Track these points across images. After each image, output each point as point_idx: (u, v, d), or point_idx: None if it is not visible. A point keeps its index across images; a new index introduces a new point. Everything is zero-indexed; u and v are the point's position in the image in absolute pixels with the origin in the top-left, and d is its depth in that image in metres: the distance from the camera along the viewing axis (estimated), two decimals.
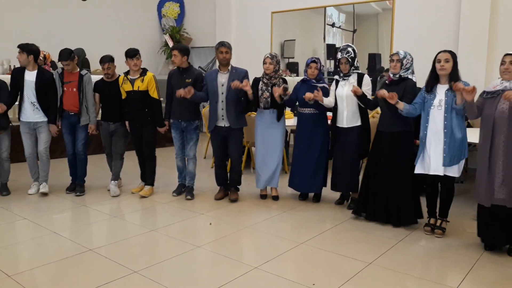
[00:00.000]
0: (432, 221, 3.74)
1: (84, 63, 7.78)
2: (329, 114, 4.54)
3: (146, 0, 9.22)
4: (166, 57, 9.04)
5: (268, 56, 4.44)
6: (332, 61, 7.75)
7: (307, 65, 4.42)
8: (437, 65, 3.47)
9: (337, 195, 4.61)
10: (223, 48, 4.38)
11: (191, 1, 9.21)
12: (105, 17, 8.58)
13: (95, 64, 7.68)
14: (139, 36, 8.90)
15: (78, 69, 4.85)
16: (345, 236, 3.68)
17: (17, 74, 4.71)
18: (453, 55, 3.45)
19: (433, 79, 3.53)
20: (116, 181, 4.95)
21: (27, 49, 4.61)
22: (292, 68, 8.07)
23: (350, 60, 4.14)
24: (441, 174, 3.49)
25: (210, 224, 3.96)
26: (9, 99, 4.66)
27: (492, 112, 3.16)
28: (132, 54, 4.59)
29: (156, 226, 3.89)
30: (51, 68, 6.94)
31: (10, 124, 4.79)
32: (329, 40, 7.79)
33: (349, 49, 4.17)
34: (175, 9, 9.28)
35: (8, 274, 2.89)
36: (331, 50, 7.75)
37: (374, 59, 7.07)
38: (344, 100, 4.20)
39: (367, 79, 4.17)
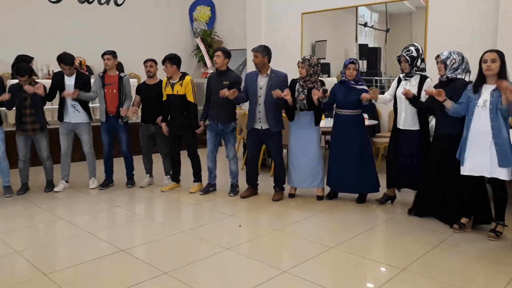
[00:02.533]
0: (463, 220, 3.68)
1: (118, 67, 7.96)
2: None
3: (178, 5, 9.36)
4: (198, 60, 9.15)
5: (299, 61, 4.46)
6: (365, 61, 7.61)
7: (345, 66, 4.38)
8: (484, 65, 3.38)
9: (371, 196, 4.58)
10: (253, 52, 4.49)
11: (222, 4, 9.29)
12: (138, 22, 8.78)
13: (129, 68, 7.87)
14: (171, 40, 9.05)
15: (117, 72, 5.09)
16: (378, 241, 3.59)
17: (58, 78, 4.95)
18: (501, 55, 3.35)
19: (480, 80, 3.44)
20: (169, 175, 5.25)
21: (70, 62, 4.85)
22: (324, 69, 7.98)
23: (409, 58, 4.04)
24: (489, 175, 3.40)
25: (240, 226, 3.96)
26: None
27: None
28: (162, 60, 4.81)
29: (186, 227, 3.92)
30: (86, 73, 7.15)
31: (48, 126, 5.02)
32: (361, 40, 7.65)
33: (411, 48, 4.08)
34: (206, 12, 9.38)
35: (44, 272, 2.98)
36: (364, 50, 7.61)
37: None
38: (402, 102, 4.11)
39: (429, 83, 4.05)
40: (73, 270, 3.06)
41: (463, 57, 3.75)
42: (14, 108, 4.82)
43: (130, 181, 5.29)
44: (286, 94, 4.26)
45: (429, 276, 2.90)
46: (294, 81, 4.53)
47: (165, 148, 5.10)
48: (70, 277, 2.97)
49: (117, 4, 8.59)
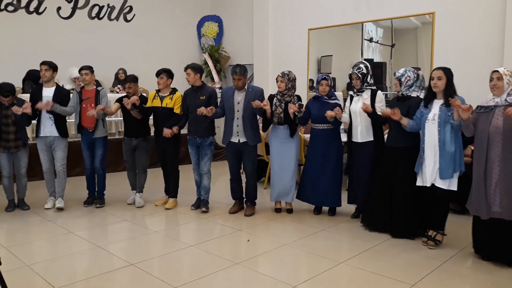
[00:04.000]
0: (430, 232, 3.75)
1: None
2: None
3: (186, 20, 9.49)
4: (206, 75, 9.24)
5: (279, 75, 4.60)
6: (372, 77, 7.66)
7: (318, 82, 4.58)
8: (431, 82, 3.59)
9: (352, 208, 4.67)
10: (236, 75, 4.55)
11: (230, 20, 9.41)
12: (147, 37, 8.91)
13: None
14: (179, 55, 9.15)
15: (95, 86, 5.09)
16: (385, 256, 3.58)
17: (36, 92, 4.94)
18: (447, 72, 3.56)
19: (430, 95, 3.64)
20: (141, 193, 5.18)
21: (53, 66, 4.88)
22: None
23: (360, 76, 4.26)
24: (437, 185, 3.57)
25: (248, 241, 3.97)
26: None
27: (486, 127, 3.25)
28: (157, 73, 4.91)
29: (194, 242, 3.93)
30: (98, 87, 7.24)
31: (28, 142, 4.99)
32: (367, 55, 7.72)
33: (361, 65, 4.32)
34: (214, 28, 9.51)
35: (55, 286, 3.00)
36: (369, 65, 7.67)
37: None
38: (358, 116, 4.30)
39: (380, 96, 4.28)
40: (83, 284, 3.08)
41: (418, 75, 3.95)
42: None
43: (100, 200, 5.14)
44: (266, 104, 4.39)
45: None
46: (271, 96, 4.68)
47: (143, 162, 5.10)
48: None
49: (126, 20, 8.73)
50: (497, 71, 3.27)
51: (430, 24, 6.45)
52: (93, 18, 8.33)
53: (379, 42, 7.55)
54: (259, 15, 8.49)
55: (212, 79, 9.20)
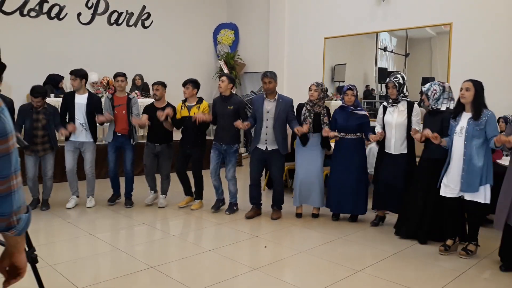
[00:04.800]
0: (448, 242, 3.79)
1: (144, 88, 8.21)
2: None
3: (203, 28, 9.62)
4: None
5: (314, 84, 4.69)
6: (384, 85, 7.69)
7: (344, 92, 4.63)
8: (459, 93, 3.59)
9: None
10: (266, 79, 4.65)
11: (246, 28, 9.52)
12: (164, 44, 9.04)
13: None
14: (195, 62, 9.28)
15: (127, 93, 5.31)
16: (403, 264, 3.60)
17: (68, 97, 5.11)
18: (476, 84, 3.54)
19: (459, 107, 3.65)
20: (165, 195, 5.32)
21: (80, 75, 5.04)
22: (343, 91, 8.08)
23: (397, 85, 4.26)
24: (459, 197, 3.61)
25: (266, 247, 4.02)
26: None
27: None
28: (183, 83, 5.07)
29: (212, 246, 3.99)
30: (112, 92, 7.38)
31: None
32: (381, 64, 7.75)
33: (398, 75, 4.35)
34: (230, 36, 9.62)
35: (78, 286, 3.07)
36: (383, 74, 7.70)
37: (428, 83, 6.96)
38: (393, 128, 4.29)
39: (417, 109, 4.30)
40: (106, 285, 3.14)
41: (444, 87, 3.96)
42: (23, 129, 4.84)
43: (129, 201, 5.31)
44: (306, 129, 4.54)
45: None
46: (300, 106, 4.77)
47: (167, 169, 5.25)
48: None
49: (144, 27, 8.88)
50: None
51: (446, 34, 6.48)
52: (112, 24, 8.50)
53: (393, 51, 7.58)
54: (275, 23, 8.58)
55: None
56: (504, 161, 4.14)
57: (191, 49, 9.41)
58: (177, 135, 5.41)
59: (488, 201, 3.54)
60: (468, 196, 3.58)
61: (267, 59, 8.71)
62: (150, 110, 5.21)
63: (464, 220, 3.87)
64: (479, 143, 3.50)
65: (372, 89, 7.79)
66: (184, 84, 5.06)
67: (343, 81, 8.00)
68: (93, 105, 5.09)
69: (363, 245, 4.09)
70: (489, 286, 3.27)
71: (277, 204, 4.93)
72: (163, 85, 5.22)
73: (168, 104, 5.20)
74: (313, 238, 4.31)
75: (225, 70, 8.99)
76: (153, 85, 5.28)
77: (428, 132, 3.74)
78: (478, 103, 3.53)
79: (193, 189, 5.35)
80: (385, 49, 7.62)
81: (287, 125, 4.77)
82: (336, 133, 4.53)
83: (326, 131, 4.52)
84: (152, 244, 4.15)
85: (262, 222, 4.78)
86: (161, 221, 4.85)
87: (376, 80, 7.74)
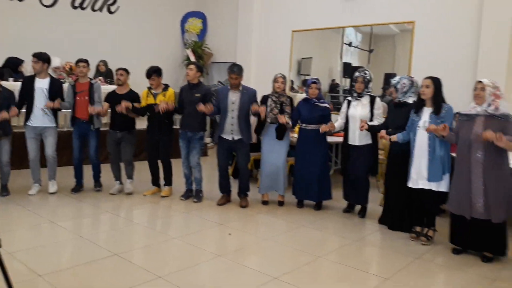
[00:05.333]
0: (418, 229, 3.99)
1: (108, 74, 8.03)
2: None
3: (170, 15, 9.49)
4: None
5: (280, 76, 4.84)
6: (348, 80, 7.87)
7: (308, 85, 4.81)
8: (420, 90, 3.82)
9: (339, 204, 4.97)
10: (233, 75, 4.74)
11: (214, 17, 9.46)
12: (130, 30, 8.85)
13: None
14: (161, 50, 9.15)
15: (89, 79, 5.22)
16: (364, 250, 3.76)
17: (28, 82, 4.97)
18: (435, 81, 3.77)
19: (420, 103, 3.85)
20: (131, 180, 5.29)
21: (43, 58, 4.91)
22: (307, 85, 8.21)
23: (366, 80, 4.49)
24: (427, 188, 3.80)
25: (230, 234, 4.08)
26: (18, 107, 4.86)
27: (468, 134, 3.48)
28: (147, 75, 5.02)
29: (178, 234, 4.01)
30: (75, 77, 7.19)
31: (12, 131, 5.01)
32: (346, 59, 7.93)
33: (367, 71, 4.58)
34: (198, 24, 9.54)
35: (39, 273, 3.03)
36: (348, 69, 7.89)
37: (390, 78, 7.18)
38: (357, 120, 4.48)
39: (379, 103, 4.52)
40: (68, 272, 3.11)
41: (412, 81, 4.19)
42: None
43: (97, 183, 5.33)
44: (263, 110, 4.67)
45: (411, 285, 3.10)
46: (265, 97, 4.89)
47: (129, 155, 5.22)
48: (66, 279, 3.02)
49: (110, 12, 8.66)
50: (481, 81, 3.47)
51: (409, 32, 6.70)
52: (76, 7, 8.24)
53: (358, 47, 7.77)
54: (244, 14, 8.58)
55: None
56: None
57: (157, 37, 9.27)
58: (142, 123, 5.37)
59: (448, 190, 3.76)
60: (433, 186, 3.78)
61: (235, 49, 8.71)
62: (112, 97, 5.18)
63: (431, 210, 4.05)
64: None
65: (337, 84, 7.96)
66: (149, 76, 5.02)
67: (309, 75, 8.12)
68: (55, 90, 4.97)
69: (326, 232, 4.23)
70: (440, 269, 3.47)
71: (243, 191, 5.04)
72: (127, 71, 5.20)
73: (131, 91, 5.18)
74: (277, 225, 4.41)
75: (192, 59, 8.93)
76: (117, 70, 5.23)
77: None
78: (438, 99, 3.75)
79: (162, 178, 5.33)
80: (350, 45, 7.80)
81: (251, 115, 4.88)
82: (287, 119, 4.65)
83: (281, 118, 4.64)
84: (116, 231, 4.12)
85: (229, 210, 4.84)
86: (126, 209, 4.82)
87: (340, 75, 7.92)
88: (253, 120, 4.99)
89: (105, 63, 8.16)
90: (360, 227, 4.42)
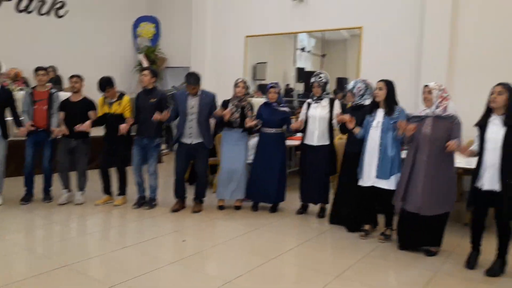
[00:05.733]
0: (366, 227, 4.23)
1: (57, 80, 7.79)
2: (300, 134, 4.96)
3: (121, 20, 9.33)
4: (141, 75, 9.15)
5: (241, 81, 4.91)
6: (302, 84, 8.06)
7: (267, 90, 4.93)
8: (374, 92, 4.02)
9: (293, 206, 5.08)
10: (190, 86, 4.75)
11: (167, 22, 9.40)
12: (80, 35, 8.65)
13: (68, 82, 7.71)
14: (113, 55, 9.00)
15: (49, 88, 5.11)
16: (316, 250, 3.88)
17: None
18: (387, 83, 3.98)
19: (374, 104, 4.06)
20: (82, 192, 5.17)
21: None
22: (264, 90, 8.33)
23: (322, 84, 4.64)
24: (377, 186, 3.99)
25: (184, 241, 4.08)
26: None
27: (417, 134, 3.68)
28: (101, 88, 4.92)
29: (131, 242, 3.96)
30: (24, 84, 6.94)
31: None
32: (299, 64, 8.13)
33: (322, 75, 4.72)
34: (150, 29, 9.44)
35: None
36: (301, 73, 8.08)
37: (342, 83, 7.43)
38: (316, 121, 4.64)
39: (338, 104, 4.69)
40: (18, 285, 3.01)
41: (366, 84, 4.38)
42: None
43: (47, 196, 5.17)
44: (227, 113, 4.73)
45: (362, 281, 3.24)
46: (226, 102, 4.94)
47: (83, 165, 5.12)
48: None
49: (58, 16, 8.42)
50: (427, 85, 3.68)
51: (358, 37, 6.97)
52: (21, 11, 7.95)
53: (311, 52, 7.98)
54: (197, 19, 8.59)
55: None
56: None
57: (109, 41, 9.10)
58: (97, 131, 5.25)
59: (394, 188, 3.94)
60: (383, 185, 3.96)
61: (189, 54, 8.69)
62: (66, 105, 5.05)
63: (375, 207, 4.28)
64: (393, 135, 3.91)
65: (291, 88, 8.13)
66: (103, 89, 4.93)
67: (264, 79, 8.25)
68: (3, 99, 4.79)
69: (280, 234, 4.31)
70: (387, 264, 3.64)
71: (199, 197, 5.05)
72: (81, 78, 5.10)
73: (85, 99, 5.08)
74: (233, 229, 4.45)
75: (146, 64, 8.82)
76: (71, 77, 5.08)
77: (343, 116, 4.16)
78: (391, 101, 3.96)
79: (115, 186, 5.24)
80: (303, 50, 8.00)
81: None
82: (256, 121, 4.74)
83: (247, 121, 4.73)
84: (68, 242, 4.00)
85: (184, 216, 4.82)
86: (78, 219, 4.68)
87: (295, 79, 8.10)
88: (213, 124, 5.02)
89: (54, 69, 7.91)
90: (313, 227, 4.55)
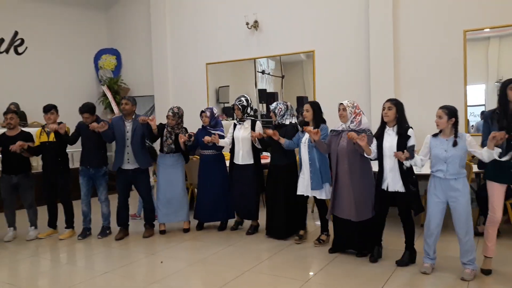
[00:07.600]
0: (301, 232, 4.67)
1: (21, 116, 7.76)
2: (266, 154, 5.23)
3: (82, 53, 9.40)
4: (105, 107, 9.22)
5: (170, 114, 5.04)
6: (264, 105, 8.38)
7: (200, 115, 5.18)
8: (303, 114, 4.46)
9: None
10: (124, 100, 4.98)
11: (128, 52, 9.55)
12: (41, 70, 8.67)
13: (32, 117, 7.73)
14: (75, 87, 9.05)
15: (21, 130, 5.11)
16: (281, 260, 4.13)
17: None
18: (313, 105, 4.44)
19: (304, 123, 4.44)
20: (34, 227, 5.16)
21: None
22: (228, 112, 8.61)
23: (241, 107, 5.01)
24: (309, 195, 4.43)
25: (162, 262, 4.21)
26: None
27: (336, 147, 4.08)
28: (46, 110, 4.98)
29: (109, 269, 4.06)
30: None
31: None
32: (261, 85, 8.45)
33: (242, 98, 5.06)
34: (111, 61, 9.56)
35: None
36: (263, 95, 8.40)
37: (302, 101, 7.81)
38: (240, 142, 5.02)
39: (259, 125, 5.05)
40: None
41: (287, 106, 4.82)
42: None
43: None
44: (152, 119, 4.84)
45: (326, 284, 3.49)
46: (162, 126, 5.14)
47: (29, 198, 5.12)
48: None
49: (17, 53, 8.44)
50: (342, 103, 4.01)
51: (312, 59, 7.39)
52: None
53: (270, 74, 8.34)
54: (157, 48, 8.80)
55: (112, 110, 9.21)
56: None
57: (71, 75, 9.14)
58: (39, 167, 5.25)
59: (329, 197, 4.30)
60: (316, 194, 4.38)
61: (152, 83, 8.87)
62: (3, 139, 5.01)
63: (306, 214, 4.73)
64: (318, 150, 4.30)
65: (255, 109, 8.42)
66: (48, 110, 4.94)
67: (228, 102, 8.50)
68: None
69: (246, 251, 4.50)
70: (318, 264, 3.93)
71: (148, 221, 5.18)
72: (17, 113, 5.17)
73: (22, 132, 5.11)
74: (205, 249, 4.59)
75: (109, 95, 8.92)
76: (5, 113, 5.08)
77: (269, 130, 4.51)
78: (317, 120, 4.39)
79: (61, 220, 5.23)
80: (263, 72, 8.34)
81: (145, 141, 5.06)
82: (186, 137, 4.92)
83: (181, 137, 4.89)
84: (44, 274, 4.04)
85: (157, 241, 4.95)
86: (52, 250, 4.71)
87: (257, 100, 8.40)
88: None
89: (16, 105, 7.88)
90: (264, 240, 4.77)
